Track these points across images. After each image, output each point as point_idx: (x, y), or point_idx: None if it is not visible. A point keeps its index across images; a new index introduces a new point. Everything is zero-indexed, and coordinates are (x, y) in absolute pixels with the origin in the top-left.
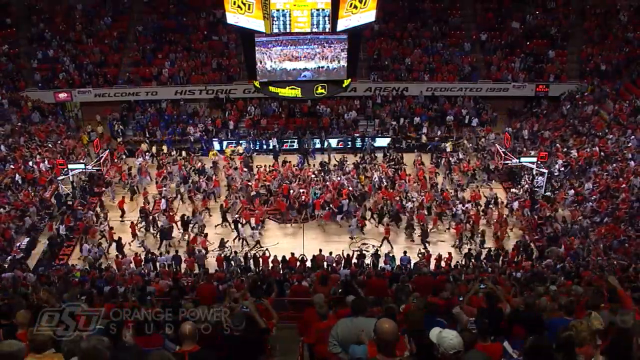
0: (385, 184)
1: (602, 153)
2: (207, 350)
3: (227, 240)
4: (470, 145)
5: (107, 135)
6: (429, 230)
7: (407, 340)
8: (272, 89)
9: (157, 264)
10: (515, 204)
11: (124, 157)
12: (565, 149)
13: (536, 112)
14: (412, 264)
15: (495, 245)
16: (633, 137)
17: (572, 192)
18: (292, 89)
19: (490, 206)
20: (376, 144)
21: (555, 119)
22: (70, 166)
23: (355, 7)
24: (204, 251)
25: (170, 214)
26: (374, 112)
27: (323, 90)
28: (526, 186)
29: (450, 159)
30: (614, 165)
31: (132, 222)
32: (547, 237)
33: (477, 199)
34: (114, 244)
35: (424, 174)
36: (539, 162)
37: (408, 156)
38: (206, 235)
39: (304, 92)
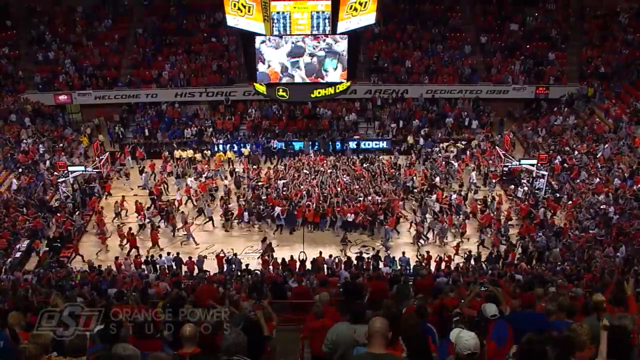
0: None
1: (564, 164)
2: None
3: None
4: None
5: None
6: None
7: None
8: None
9: (157, 266)
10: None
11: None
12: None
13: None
14: (411, 265)
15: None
16: (606, 145)
17: (454, 196)
18: (260, 85)
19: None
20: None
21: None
22: (70, 168)
23: (356, 9)
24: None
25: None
26: (374, 114)
27: (284, 94)
28: (526, 188)
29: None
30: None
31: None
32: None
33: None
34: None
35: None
36: (539, 165)
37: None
38: None
39: (268, 92)
